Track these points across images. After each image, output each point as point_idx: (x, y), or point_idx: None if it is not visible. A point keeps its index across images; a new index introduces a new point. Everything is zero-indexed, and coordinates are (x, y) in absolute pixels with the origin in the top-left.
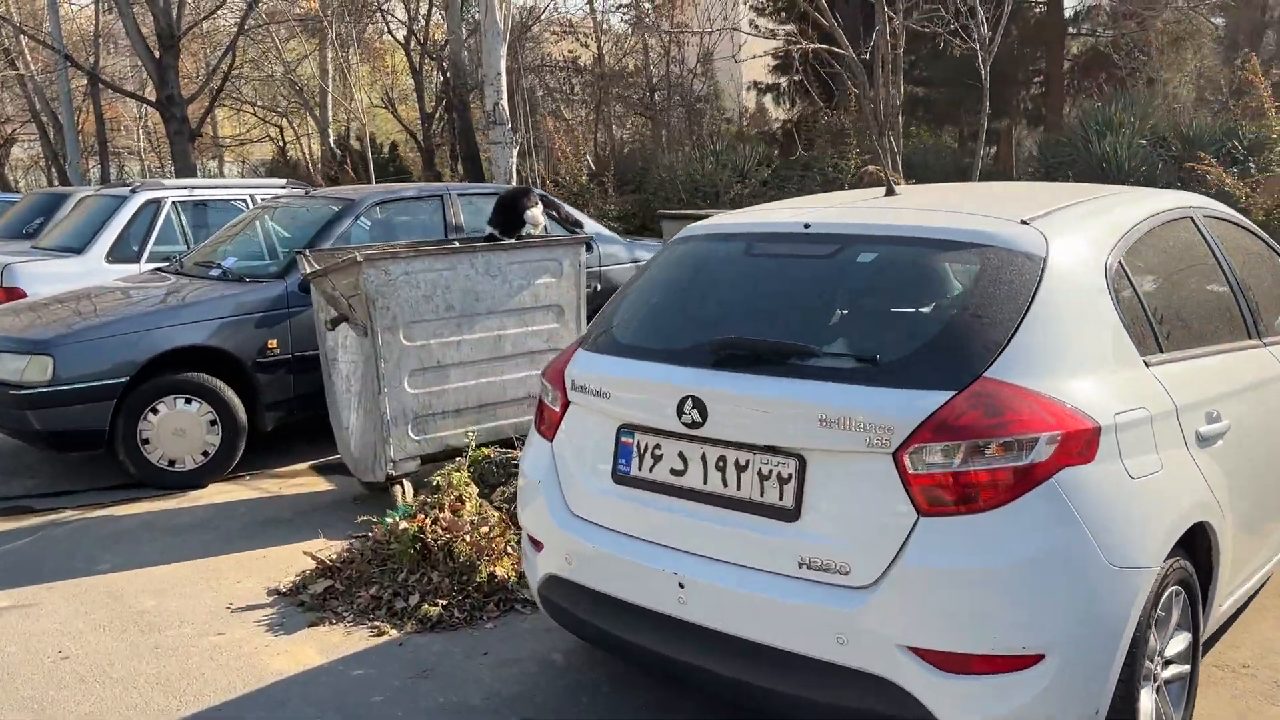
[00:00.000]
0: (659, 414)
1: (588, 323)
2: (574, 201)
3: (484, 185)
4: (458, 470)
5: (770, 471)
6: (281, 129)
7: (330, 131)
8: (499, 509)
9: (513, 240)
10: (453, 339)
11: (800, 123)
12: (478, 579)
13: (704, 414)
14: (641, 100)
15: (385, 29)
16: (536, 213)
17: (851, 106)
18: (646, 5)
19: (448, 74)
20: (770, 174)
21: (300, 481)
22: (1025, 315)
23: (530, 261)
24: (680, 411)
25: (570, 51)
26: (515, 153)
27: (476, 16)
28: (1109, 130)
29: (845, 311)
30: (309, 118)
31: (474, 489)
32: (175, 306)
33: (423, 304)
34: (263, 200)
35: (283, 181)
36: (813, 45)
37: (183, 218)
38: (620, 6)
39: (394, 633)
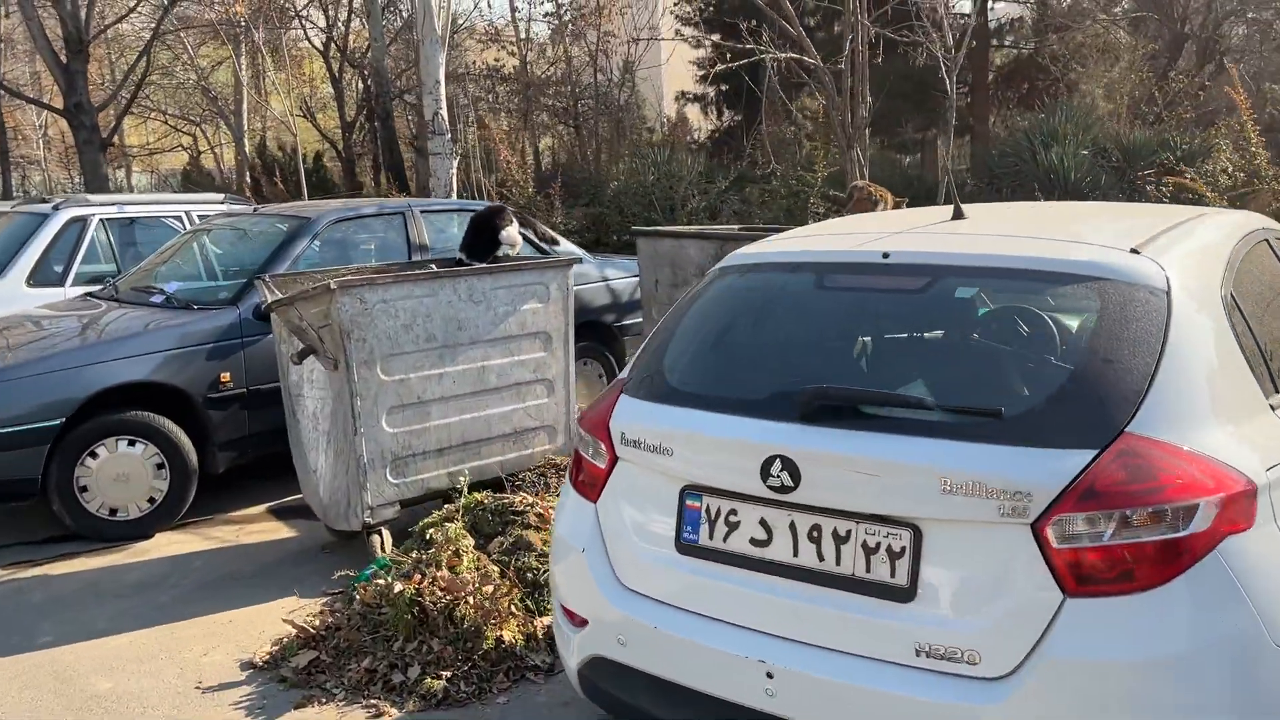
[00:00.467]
0: (737, 475)
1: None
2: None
3: (448, 201)
4: (450, 520)
5: (878, 544)
6: (195, 138)
7: (245, 141)
8: (498, 563)
9: (495, 263)
10: (434, 372)
11: (729, 132)
12: (484, 645)
13: (796, 477)
14: (566, 109)
15: (303, 35)
16: (513, 232)
17: (793, 117)
18: (566, 17)
19: (369, 82)
20: (727, 187)
21: (259, 528)
22: (1160, 359)
23: (516, 286)
24: (766, 474)
25: (496, 59)
26: (455, 164)
27: (401, 22)
28: (1054, 141)
29: (950, 356)
30: (224, 126)
31: (470, 541)
32: (115, 338)
33: (402, 335)
34: (201, 218)
35: (220, 197)
36: (785, 55)
37: (111, 237)
38: (547, 15)
39: (394, 711)
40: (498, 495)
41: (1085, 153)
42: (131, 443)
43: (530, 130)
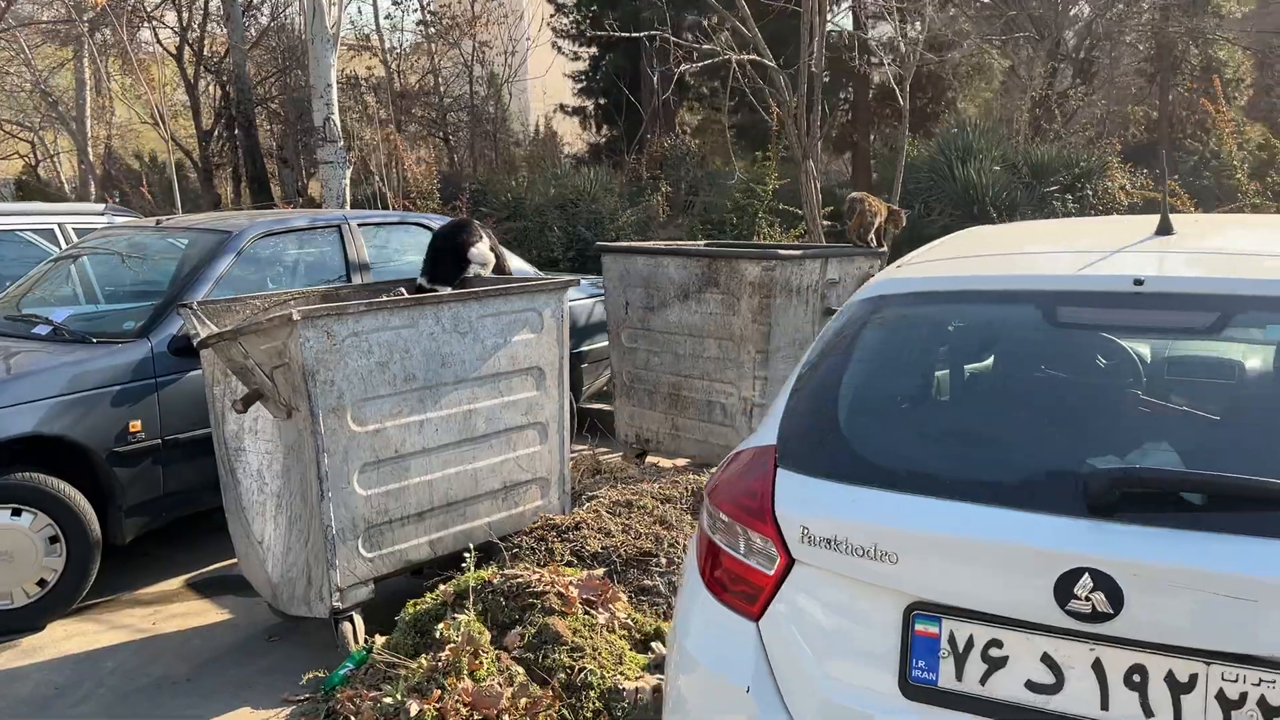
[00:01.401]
0: (1010, 594)
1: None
2: None
3: (388, 214)
4: (458, 607)
5: (1243, 695)
6: (33, 144)
7: (90, 149)
8: (522, 661)
9: (464, 287)
10: (414, 419)
11: (610, 145)
12: None
13: (1116, 600)
14: (435, 121)
15: (155, 38)
16: (484, 249)
17: (676, 130)
18: (433, 30)
19: (228, 89)
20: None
21: (180, 609)
22: None
23: (506, 314)
24: (1065, 593)
25: (369, 69)
26: (349, 174)
27: (263, 26)
28: (969, 157)
29: None
30: (65, 133)
31: (487, 636)
32: None
33: (376, 375)
34: (80, 231)
35: (100, 207)
36: (747, 57)
37: None
38: (419, 23)
39: None
40: (507, 573)
41: (997, 168)
42: (16, 512)
43: (396, 141)
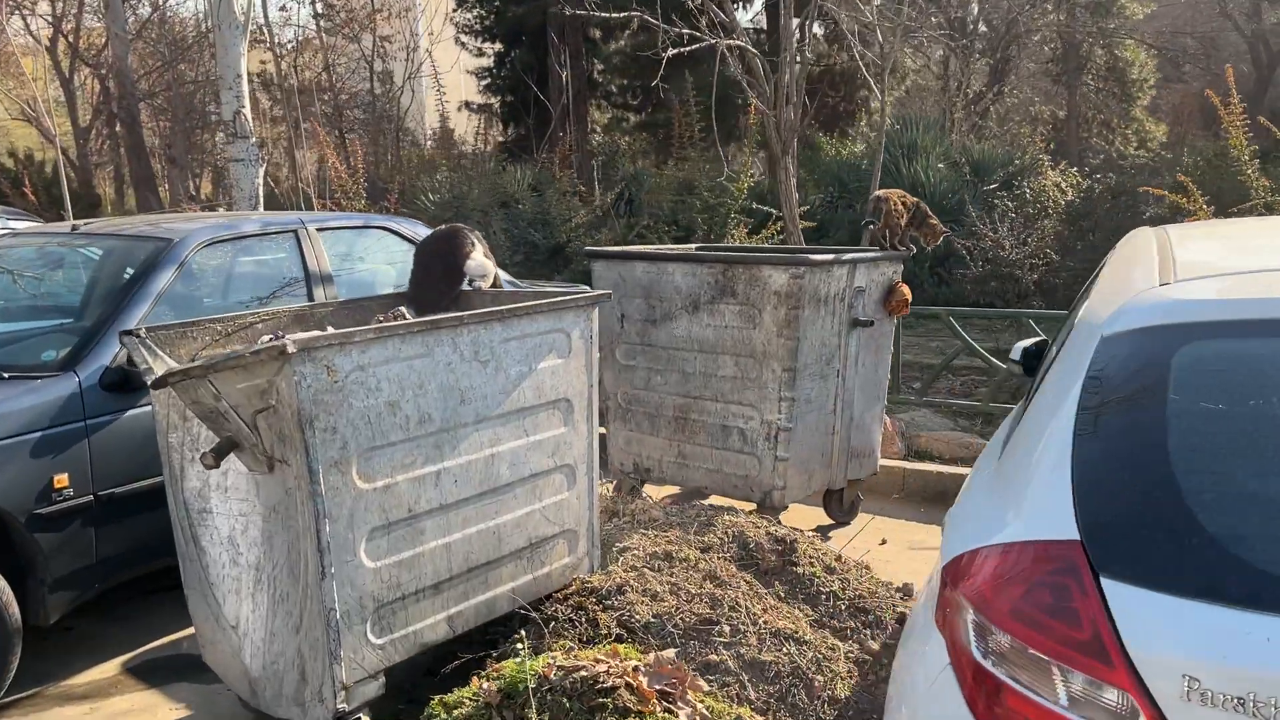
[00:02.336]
0: None
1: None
2: None
3: (346, 216)
4: (515, 716)
5: None
6: None
7: None
8: None
9: (514, 304)
10: (429, 469)
11: (518, 144)
12: None
13: None
14: (330, 118)
15: (25, 29)
16: (481, 259)
17: (588, 127)
18: (325, 24)
19: (109, 84)
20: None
21: (123, 705)
22: None
23: (531, 336)
24: None
25: (262, 63)
26: (262, 172)
27: (144, 16)
28: (915, 154)
29: None
30: None
31: None
32: None
33: (386, 418)
34: None
35: None
36: (734, 42)
37: None
38: (316, 15)
39: None
40: (565, 664)
41: (941, 165)
42: None
43: (299, 138)
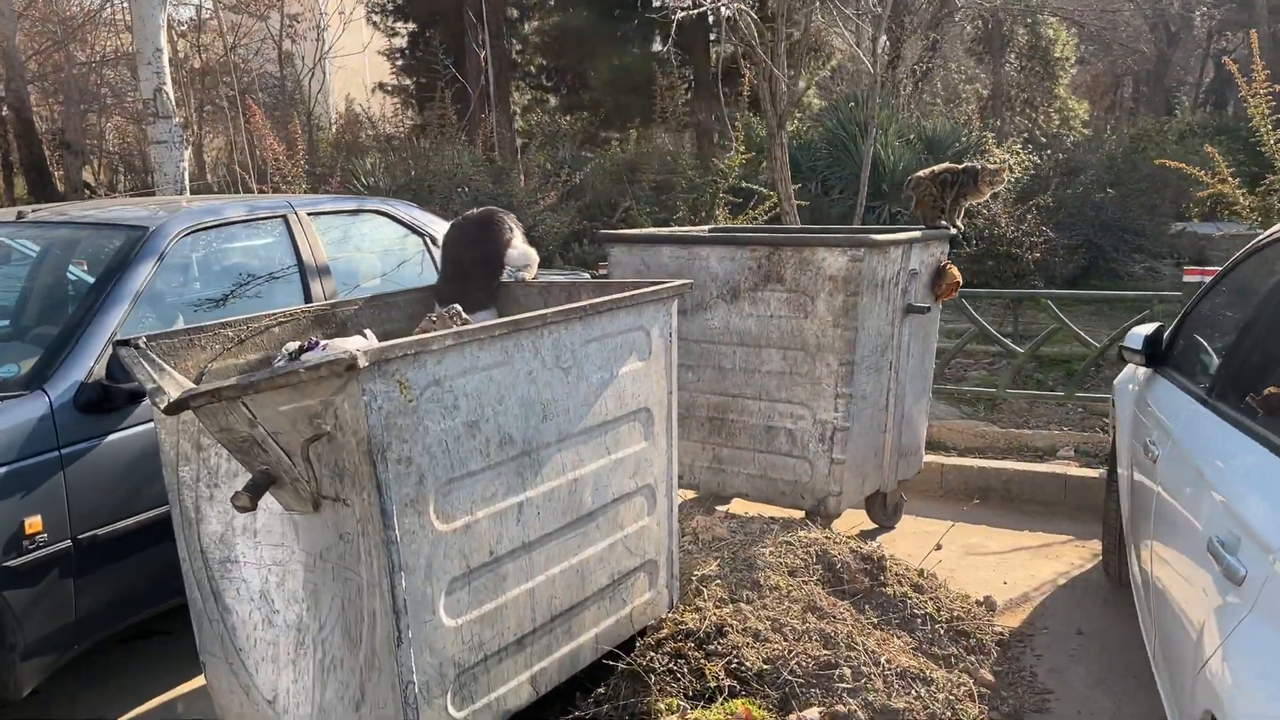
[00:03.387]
0: None
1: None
2: None
3: (337, 198)
4: None
5: None
6: None
7: None
8: None
9: (589, 299)
10: (511, 501)
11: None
12: None
13: None
14: (232, 101)
15: None
16: (525, 247)
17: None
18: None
19: None
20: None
21: None
22: None
23: (612, 336)
24: None
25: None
26: (187, 155)
27: None
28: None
29: None
30: None
31: None
32: None
33: (465, 441)
34: None
35: None
36: (736, 4)
37: None
38: None
39: None
40: None
41: (897, 142)
42: None
43: (201, 122)
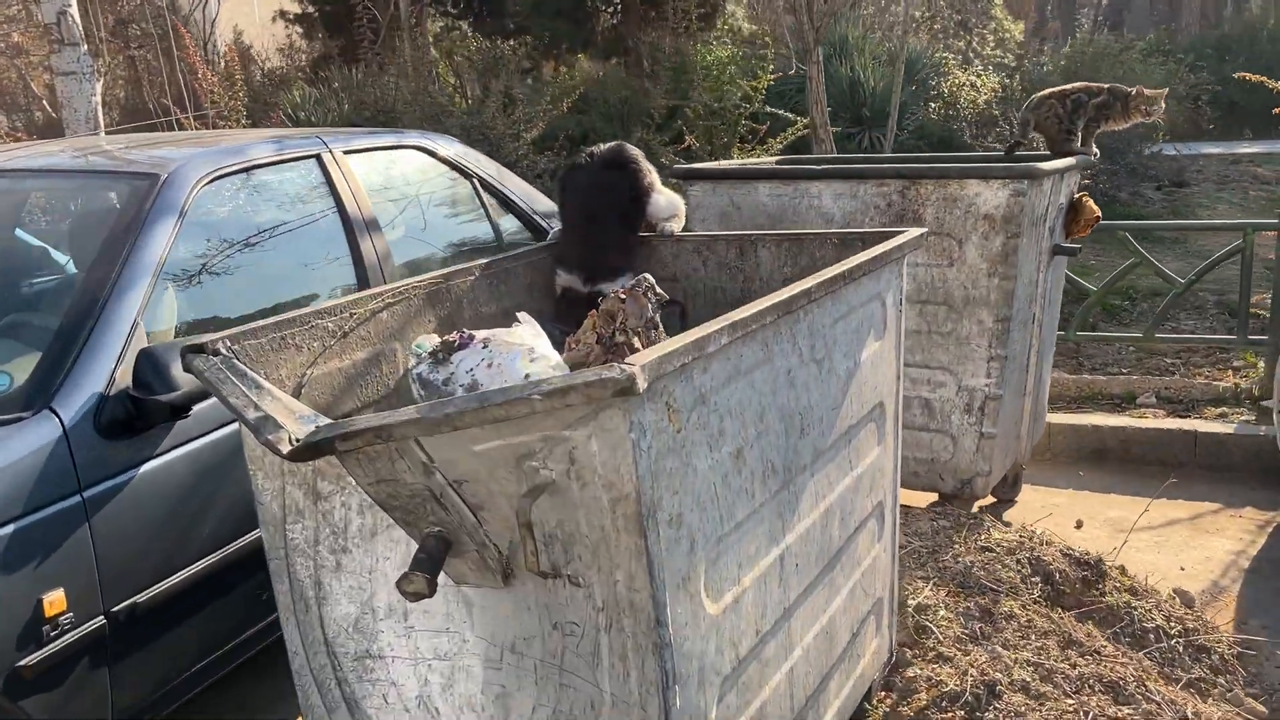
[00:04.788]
0: None
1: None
2: None
3: (375, 132)
4: None
5: None
6: None
7: None
8: None
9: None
10: (773, 555)
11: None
12: None
13: None
14: (113, 34)
15: None
16: (669, 193)
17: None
18: None
19: None
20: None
21: None
22: None
23: (855, 310)
24: None
25: None
26: (99, 87)
27: None
28: (845, 53)
29: None
30: None
31: None
32: None
33: (732, 478)
34: None
35: None
36: None
37: None
38: None
39: None
40: None
41: (874, 61)
42: None
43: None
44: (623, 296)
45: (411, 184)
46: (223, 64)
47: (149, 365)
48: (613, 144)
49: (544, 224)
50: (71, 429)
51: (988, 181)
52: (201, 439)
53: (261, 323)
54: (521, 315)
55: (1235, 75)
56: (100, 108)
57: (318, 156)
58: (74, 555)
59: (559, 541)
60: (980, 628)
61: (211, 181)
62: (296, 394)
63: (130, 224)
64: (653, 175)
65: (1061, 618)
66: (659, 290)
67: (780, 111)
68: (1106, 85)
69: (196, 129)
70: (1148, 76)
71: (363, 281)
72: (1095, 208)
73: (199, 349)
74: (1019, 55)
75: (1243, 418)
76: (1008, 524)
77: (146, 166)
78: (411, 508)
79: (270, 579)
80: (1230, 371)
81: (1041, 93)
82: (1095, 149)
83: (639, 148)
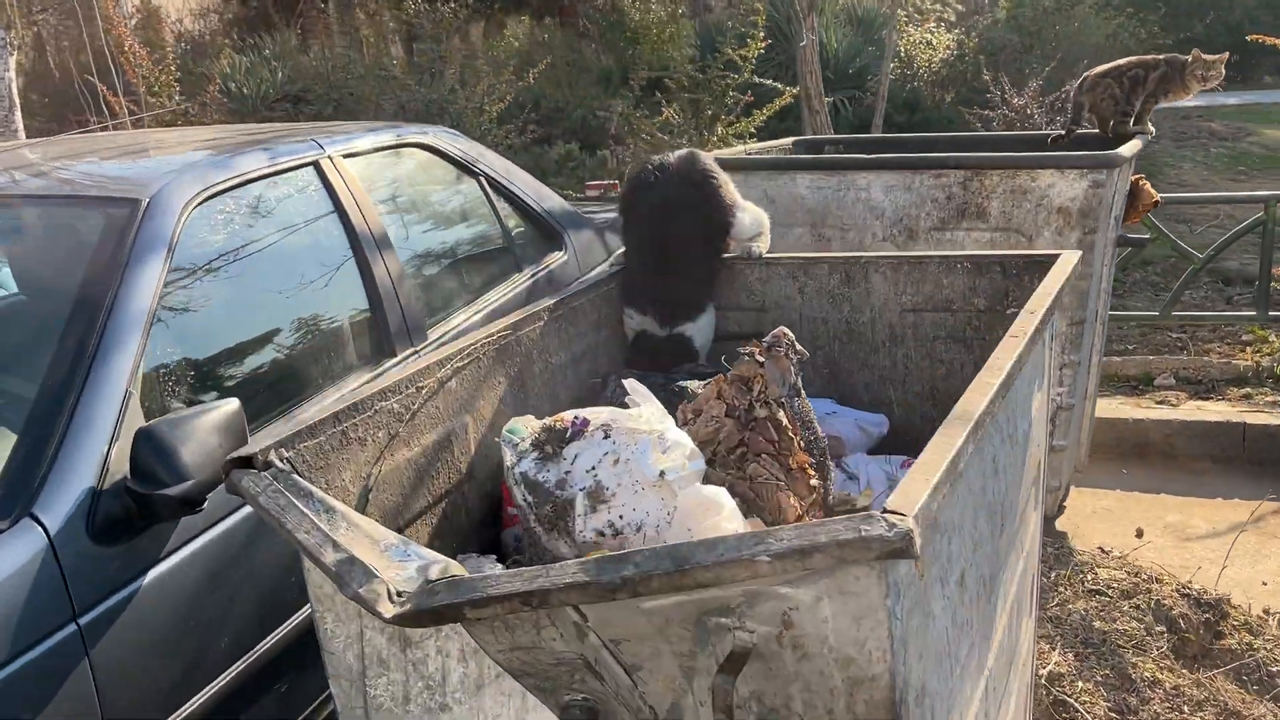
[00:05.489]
0: None
1: None
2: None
3: (374, 129)
4: None
5: None
6: None
7: None
8: None
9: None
10: (980, 688)
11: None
12: None
13: None
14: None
15: None
16: (753, 208)
17: None
18: None
19: None
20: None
21: None
22: None
23: (1027, 358)
24: None
25: None
26: (12, 62)
27: None
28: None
29: None
30: None
31: None
32: None
33: (958, 611)
34: None
35: None
36: None
37: None
38: None
39: None
40: None
41: (835, 21)
42: None
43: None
44: (760, 358)
45: (418, 188)
46: (132, 22)
47: (151, 449)
48: (683, 153)
49: (556, 225)
50: (59, 539)
51: (1063, 172)
52: (215, 528)
53: (317, 415)
54: (630, 383)
55: (1246, 36)
56: (15, 85)
57: (315, 164)
58: (74, 699)
59: (752, 715)
60: (1125, 699)
61: (202, 203)
62: (364, 500)
63: (110, 264)
64: (731, 187)
65: (1212, 682)
66: (799, 347)
67: (768, 81)
68: (1163, 57)
69: (130, 110)
70: (1098, 30)
71: (376, 306)
72: (1153, 191)
73: (246, 462)
74: (960, 13)
75: (1268, 398)
76: (1107, 552)
77: (122, 189)
78: (552, 674)
79: None
80: (1247, 349)
81: (1094, 72)
82: (1151, 127)
83: (621, 123)
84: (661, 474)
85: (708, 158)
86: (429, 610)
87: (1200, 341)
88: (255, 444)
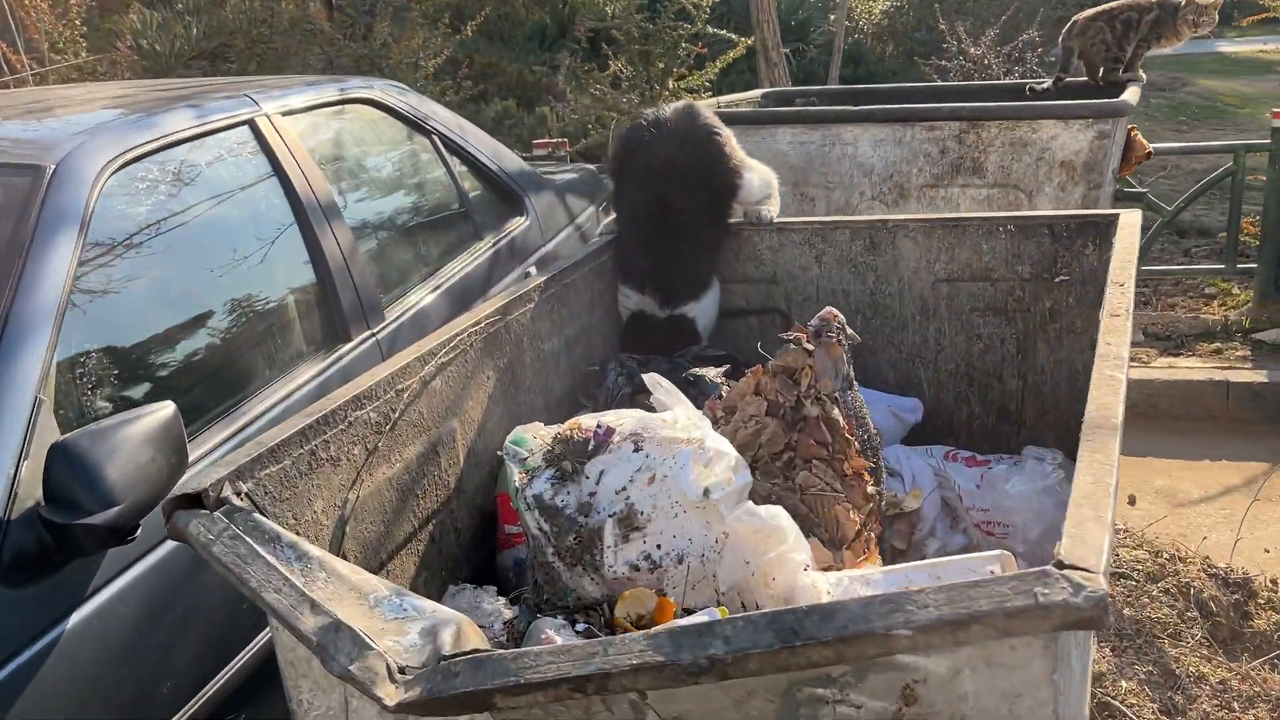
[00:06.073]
0: None
1: None
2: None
3: (315, 84)
4: None
5: None
6: None
7: None
8: None
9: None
10: None
11: None
12: None
13: None
14: None
15: None
16: (760, 167)
17: None
18: None
19: None
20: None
21: None
22: None
23: None
24: None
25: None
26: None
27: None
28: None
29: None
30: None
31: None
32: None
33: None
34: None
35: None
36: None
37: None
38: None
39: None
40: None
41: None
42: None
43: None
44: (808, 346)
45: (366, 148)
46: None
47: (68, 468)
48: (681, 106)
49: (516, 188)
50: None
51: (1067, 123)
52: (152, 554)
53: (279, 435)
54: (651, 377)
55: None
56: None
57: (250, 122)
58: None
59: None
60: (1170, 698)
61: (119, 169)
62: (341, 534)
63: (11, 243)
64: (735, 144)
65: (1259, 673)
66: (850, 330)
67: (722, 31)
68: (1154, 0)
69: (31, 67)
70: None
71: (326, 284)
72: (1145, 142)
73: (193, 500)
74: None
75: (1238, 353)
76: (1120, 530)
77: (23, 153)
78: None
79: None
80: (1213, 303)
81: (1083, 15)
82: (1142, 74)
83: (567, 78)
84: (706, 492)
85: (707, 110)
86: (448, 698)
87: (1164, 295)
88: (204, 474)
